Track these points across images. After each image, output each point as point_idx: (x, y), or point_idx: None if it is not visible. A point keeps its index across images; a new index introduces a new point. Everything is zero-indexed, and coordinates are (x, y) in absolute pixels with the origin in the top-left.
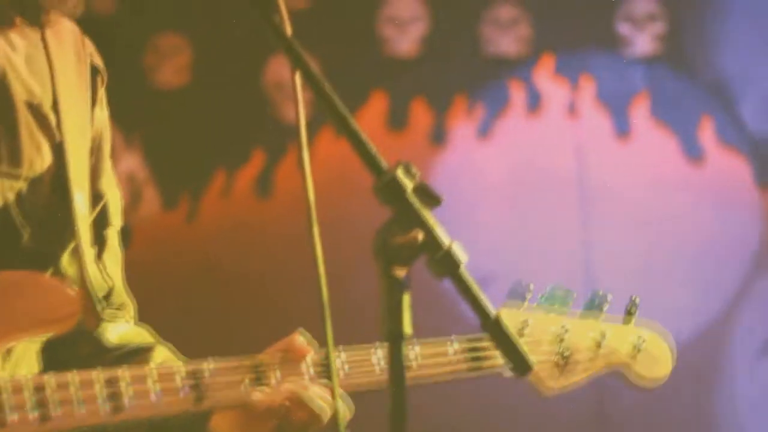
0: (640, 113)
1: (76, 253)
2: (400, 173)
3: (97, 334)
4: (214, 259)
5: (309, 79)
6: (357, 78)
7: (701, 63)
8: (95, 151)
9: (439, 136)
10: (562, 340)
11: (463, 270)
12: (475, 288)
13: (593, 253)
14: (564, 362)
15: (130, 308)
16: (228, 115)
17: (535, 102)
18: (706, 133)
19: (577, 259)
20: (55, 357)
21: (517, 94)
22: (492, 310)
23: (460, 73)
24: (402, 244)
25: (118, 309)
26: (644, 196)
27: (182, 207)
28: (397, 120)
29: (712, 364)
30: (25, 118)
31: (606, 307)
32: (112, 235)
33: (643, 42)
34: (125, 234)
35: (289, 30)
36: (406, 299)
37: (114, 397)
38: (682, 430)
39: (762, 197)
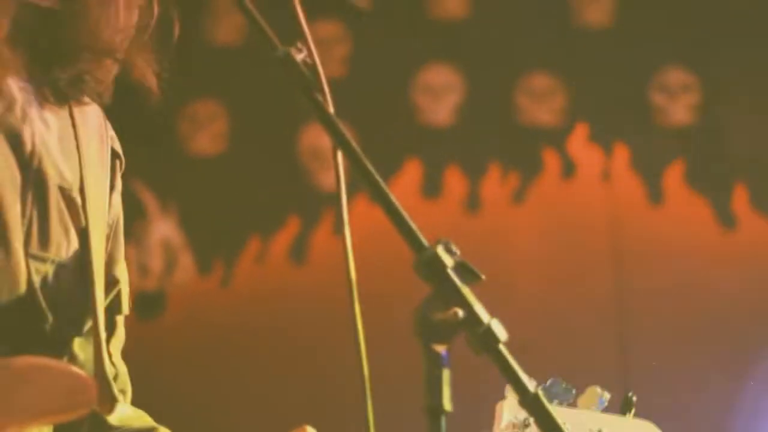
0: (674, 181)
1: (89, 338)
2: (440, 250)
3: (100, 415)
4: (248, 324)
5: (351, 158)
6: (392, 146)
7: (735, 131)
8: (112, 237)
9: (473, 203)
10: None
11: (502, 347)
12: (514, 364)
13: (627, 321)
14: None
15: (129, 393)
16: (263, 181)
17: (569, 169)
18: (740, 201)
19: (611, 326)
20: None
21: (551, 162)
22: (530, 386)
23: (494, 142)
24: (442, 320)
25: (119, 392)
26: (678, 264)
27: (217, 273)
28: (432, 187)
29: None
30: (56, 202)
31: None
32: (121, 321)
33: (677, 111)
34: (161, 299)
35: (331, 108)
36: (446, 375)
37: None
38: None
39: None
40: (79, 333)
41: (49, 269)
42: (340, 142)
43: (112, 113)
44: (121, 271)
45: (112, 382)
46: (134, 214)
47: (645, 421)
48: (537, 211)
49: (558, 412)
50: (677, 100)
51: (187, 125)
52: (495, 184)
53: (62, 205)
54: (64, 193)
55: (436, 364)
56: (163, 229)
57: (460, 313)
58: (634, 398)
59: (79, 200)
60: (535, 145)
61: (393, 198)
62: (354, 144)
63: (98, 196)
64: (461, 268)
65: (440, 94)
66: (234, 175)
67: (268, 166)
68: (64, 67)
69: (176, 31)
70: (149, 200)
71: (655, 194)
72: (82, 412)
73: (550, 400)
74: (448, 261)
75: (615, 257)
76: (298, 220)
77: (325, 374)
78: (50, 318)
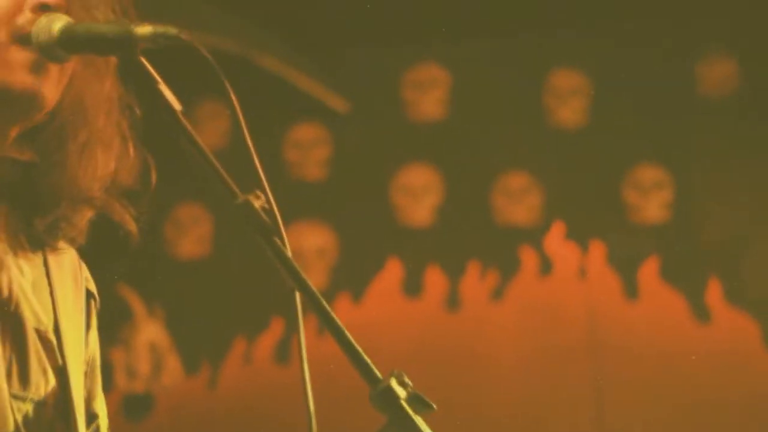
0: (649, 276)
1: None
2: (393, 383)
3: None
4: (235, 424)
5: (310, 298)
6: (373, 246)
7: (707, 226)
8: (89, 374)
9: (453, 302)
10: None
11: None
12: None
13: (605, 414)
14: None
15: None
16: (247, 283)
17: (546, 267)
18: (714, 295)
19: (590, 420)
20: None
21: (529, 260)
22: None
23: (473, 241)
24: None
25: None
26: (655, 357)
27: (204, 374)
28: (413, 286)
29: None
30: (33, 343)
31: None
32: None
33: (650, 208)
34: (148, 401)
35: (289, 252)
36: None
37: None
38: None
39: None
40: None
41: (29, 408)
42: (298, 284)
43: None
44: (100, 407)
45: None
46: (121, 318)
47: None
48: (516, 308)
49: None
50: (650, 198)
51: (171, 229)
52: (474, 283)
53: (39, 346)
54: (40, 334)
55: None
56: (150, 331)
57: None
58: None
59: (54, 341)
60: (512, 244)
61: (348, 334)
62: (311, 285)
63: (74, 336)
64: (414, 399)
65: (419, 195)
66: (218, 277)
67: (252, 269)
68: (43, 216)
69: (153, 176)
70: (136, 303)
71: (631, 290)
72: None
73: None
74: (402, 393)
75: (592, 352)
76: (282, 321)
77: None
78: None
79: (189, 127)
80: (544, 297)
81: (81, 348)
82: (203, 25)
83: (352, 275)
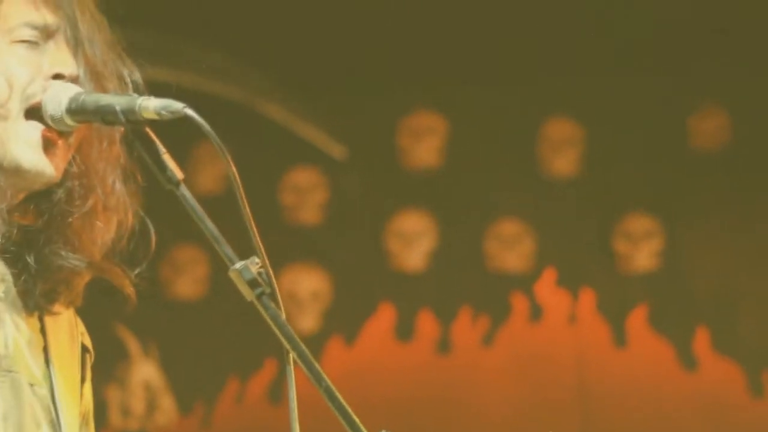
0: (638, 324)
1: None
2: None
3: None
4: None
5: (302, 359)
6: (366, 290)
7: (697, 276)
8: (84, 425)
9: (444, 346)
10: None
11: None
12: None
13: None
14: None
15: None
16: (242, 324)
17: (537, 313)
18: (702, 343)
19: None
20: None
21: (520, 306)
22: None
23: (465, 286)
24: None
25: None
26: (642, 404)
27: (197, 413)
28: (405, 331)
29: None
30: (28, 398)
31: None
32: None
33: (640, 257)
34: None
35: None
36: None
37: None
38: None
39: (755, 406)
40: None
41: None
42: (292, 346)
43: None
44: None
45: None
46: (116, 357)
47: None
48: (506, 353)
49: None
50: (640, 247)
51: (168, 270)
52: (466, 328)
53: (33, 400)
54: (34, 390)
55: None
56: (145, 371)
57: None
58: None
59: (48, 396)
60: (504, 290)
61: (337, 394)
62: (304, 347)
63: (68, 390)
64: None
65: (413, 240)
66: (213, 318)
67: (247, 310)
68: (44, 281)
69: (153, 241)
70: (131, 342)
71: (620, 337)
72: None
73: None
74: None
75: (581, 397)
76: (275, 361)
77: None
78: None
79: (190, 195)
80: (534, 343)
81: (76, 401)
82: (205, 71)
83: (346, 318)
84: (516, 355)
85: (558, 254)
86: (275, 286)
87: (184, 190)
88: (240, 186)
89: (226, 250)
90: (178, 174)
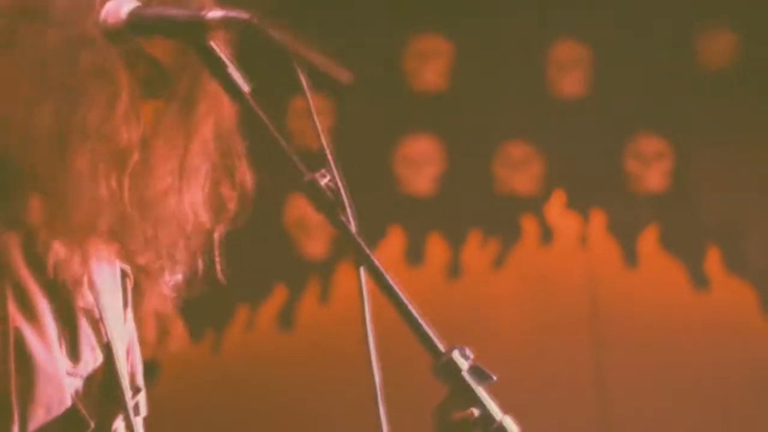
0: (649, 245)
1: None
2: (455, 355)
3: None
4: (239, 388)
5: (374, 273)
6: (375, 215)
7: (707, 196)
8: (131, 349)
9: (454, 270)
10: None
11: None
12: None
13: (605, 381)
14: None
15: None
16: (250, 252)
17: (547, 235)
18: (713, 263)
19: (590, 386)
20: None
21: (530, 228)
22: None
23: (474, 210)
24: (459, 419)
25: None
26: (653, 325)
27: (207, 340)
28: (414, 255)
29: None
30: (82, 322)
31: None
32: (140, 423)
33: (651, 177)
34: (155, 367)
35: (354, 228)
36: None
37: None
38: None
39: (766, 326)
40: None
41: (79, 383)
42: (363, 259)
43: None
44: (141, 380)
45: None
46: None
47: None
48: (516, 276)
49: None
50: (651, 167)
51: None
52: (475, 251)
53: (86, 324)
54: (87, 313)
55: None
56: (156, 300)
57: (476, 412)
58: None
59: (99, 320)
60: (513, 213)
61: (413, 309)
62: (375, 260)
63: (114, 315)
64: (475, 370)
65: (421, 165)
66: (222, 244)
67: (256, 237)
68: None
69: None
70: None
71: (631, 258)
72: None
73: None
74: (463, 364)
75: (592, 319)
76: (285, 288)
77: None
78: (91, 423)
79: (258, 108)
80: (544, 265)
81: (121, 325)
82: None
83: None
84: (526, 278)
85: (567, 176)
86: (345, 198)
87: (251, 103)
88: (310, 99)
89: (296, 162)
90: (245, 87)
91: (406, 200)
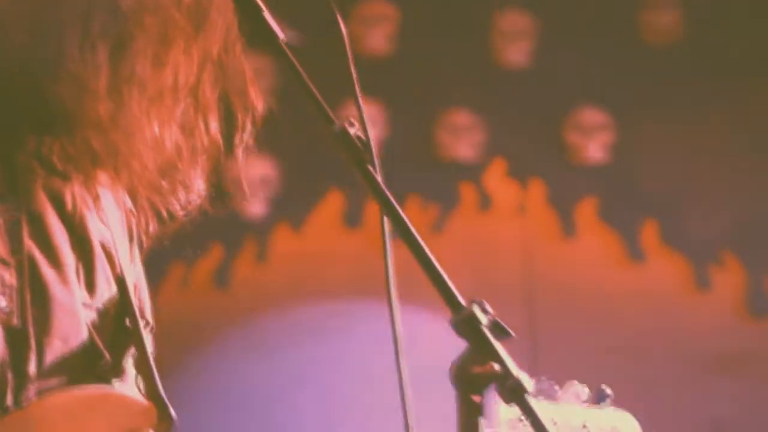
0: (587, 216)
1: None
2: (476, 309)
3: None
4: (172, 347)
5: (398, 224)
6: (315, 177)
7: (646, 169)
8: (139, 284)
9: (392, 234)
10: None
11: (530, 397)
12: (538, 413)
13: (540, 348)
14: None
15: None
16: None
17: (486, 203)
18: (650, 236)
19: (525, 353)
20: None
21: (469, 195)
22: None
23: (414, 175)
24: (479, 374)
25: None
26: (588, 294)
27: None
28: (353, 218)
29: None
30: (99, 254)
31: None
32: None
33: (591, 149)
34: None
35: (381, 179)
36: (482, 423)
37: None
38: None
39: (701, 300)
40: (125, 366)
41: (95, 315)
42: (388, 210)
43: None
44: (151, 315)
45: (168, 404)
46: None
47: (623, 413)
48: (454, 242)
49: (545, 408)
50: (592, 139)
51: None
52: (414, 216)
53: (102, 257)
54: (104, 247)
55: (473, 412)
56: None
57: (497, 367)
58: (608, 390)
59: (114, 253)
60: (453, 179)
61: (434, 262)
62: (401, 212)
63: (123, 249)
64: (494, 326)
65: None
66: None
67: None
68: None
69: None
70: None
71: (568, 228)
72: None
73: (537, 397)
74: (483, 319)
75: (528, 287)
76: (221, 247)
77: (243, 396)
78: (106, 355)
79: (291, 55)
80: (482, 233)
81: (129, 261)
82: None
83: (293, 205)
84: (464, 245)
85: (508, 145)
86: (372, 148)
87: (285, 50)
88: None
89: (326, 111)
90: (279, 33)
91: (345, 163)
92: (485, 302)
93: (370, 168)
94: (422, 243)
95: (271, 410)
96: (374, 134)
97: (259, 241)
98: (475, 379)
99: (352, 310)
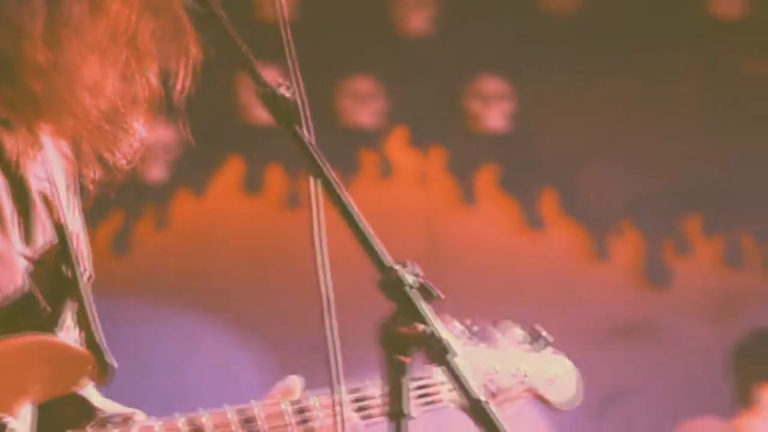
0: (487, 184)
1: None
2: (403, 271)
3: (84, 397)
4: None
5: (327, 186)
6: (216, 143)
7: (545, 139)
8: (79, 236)
9: (293, 201)
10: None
11: (455, 360)
12: (464, 375)
13: (441, 316)
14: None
15: None
16: None
17: (387, 170)
18: (548, 204)
19: None
20: (45, 417)
21: (370, 163)
22: (478, 394)
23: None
24: (406, 335)
25: None
26: (488, 260)
27: None
28: (253, 184)
29: None
30: (37, 204)
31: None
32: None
33: (491, 118)
34: None
35: (312, 140)
36: (407, 382)
37: None
38: None
39: (598, 268)
40: (64, 314)
41: (33, 265)
42: (317, 172)
43: None
44: (90, 262)
45: (107, 353)
46: None
47: (561, 357)
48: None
49: (485, 355)
50: (492, 107)
51: None
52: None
53: (42, 207)
54: (44, 197)
55: (398, 372)
56: None
57: (423, 328)
58: (544, 333)
59: (55, 202)
60: (355, 146)
61: (364, 224)
62: (331, 174)
63: (64, 199)
64: (423, 288)
65: None
66: None
67: None
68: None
69: None
70: None
71: (468, 195)
72: (83, 383)
73: (477, 343)
74: (411, 281)
75: (429, 253)
76: (122, 212)
77: (150, 362)
78: (44, 304)
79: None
80: (384, 199)
81: (70, 211)
82: None
83: (195, 170)
84: (365, 212)
85: (410, 113)
86: (306, 111)
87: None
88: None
89: (256, 73)
90: None
91: (247, 129)
92: (415, 265)
93: (299, 129)
94: (351, 204)
95: (172, 374)
96: None
97: (160, 207)
98: (401, 340)
99: (251, 274)
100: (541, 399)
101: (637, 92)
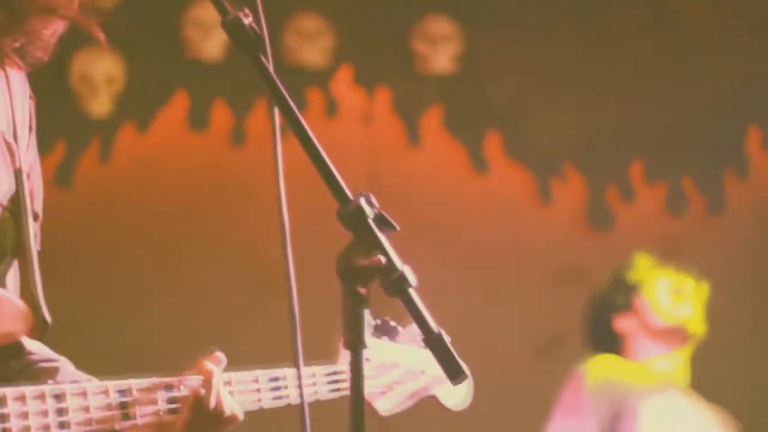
0: (432, 125)
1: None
2: (362, 202)
3: (19, 342)
4: None
5: (287, 114)
6: (161, 78)
7: (492, 81)
8: (33, 175)
9: (238, 137)
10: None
11: (412, 291)
12: (422, 307)
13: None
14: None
15: None
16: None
17: (332, 109)
18: (493, 147)
19: None
20: None
21: (315, 101)
22: (435, 326)
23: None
24: (364, 266)
25: None
26: (432, 202)
27: None
28: (198, 120)
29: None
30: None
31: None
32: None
33: (438, 59)
34: None
35: (272, 68)
36: (365, 314)
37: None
38: None
39: (542, 211)
40: (8, 264)
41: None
42: (278, 99)
43: None
44: (40, 207)
45: (44, 307)
46: None
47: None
48: (299, 147)
49: (389, 349)
50: (439, 48)
51: None
52: (260, 119)
53: (3, 148)
54: (4, 138)
55: (357, 303)
56: None
57: (381, 259)
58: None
59: (14, 144)
60: (299, 84)
61: (322, 152)
62: (291, 101)
63: (24, 140)
64: (380, 219)
65: (209, 30)
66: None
67: (38, 91)
68: (16, 36)
69: None
70: None
71: (413, 136)
72: (19, 336)
73: (379, 337)
74: (369, 212)
75: (373, 192)
76: (65, 145)
77: (94, 296)
78: None
79: None
80: (328, 138)
81: (25, 150)
82: None
83: (139, 105)
84: None
85: (356, 51)
86: (264, 34)
87: None
88: None
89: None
90: None
91: (193, 65)
92: (372, 196)
93: (262, 58)
94: (311, 135)
95: (117, 309)
96: (220, 37)
97: (104, 140)
98: (359, 270)
99: (194, 210)
100: (433, 399)
101: (584, 35)
